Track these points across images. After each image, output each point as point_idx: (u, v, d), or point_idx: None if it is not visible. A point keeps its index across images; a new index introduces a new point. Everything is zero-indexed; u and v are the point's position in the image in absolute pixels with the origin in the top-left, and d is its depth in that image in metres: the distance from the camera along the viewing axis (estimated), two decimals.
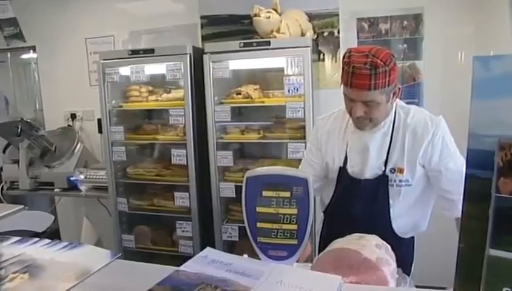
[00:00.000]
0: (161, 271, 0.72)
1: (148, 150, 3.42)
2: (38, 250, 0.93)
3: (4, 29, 3.94)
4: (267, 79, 3.08)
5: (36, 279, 0.80)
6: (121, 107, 3.12)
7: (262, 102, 2.83)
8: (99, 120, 3.39)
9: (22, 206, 1.78)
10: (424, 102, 2.94)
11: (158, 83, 3.17)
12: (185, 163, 2.88)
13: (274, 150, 3.13)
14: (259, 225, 0.98)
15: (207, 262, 0.75)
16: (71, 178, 3.33)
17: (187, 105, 2.83)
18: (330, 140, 1.67)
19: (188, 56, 2.79)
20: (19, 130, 3.20)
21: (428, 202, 1.64)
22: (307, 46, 2.63)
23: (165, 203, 3.08)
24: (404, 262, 1.34)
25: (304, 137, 2.69)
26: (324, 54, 3.14)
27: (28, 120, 3.34)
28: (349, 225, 1.46)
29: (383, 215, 1.56)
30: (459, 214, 1.52)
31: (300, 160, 2.68)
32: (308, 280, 0.69)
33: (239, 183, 2.86)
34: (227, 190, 2.88)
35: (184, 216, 2.98)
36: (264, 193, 0.96)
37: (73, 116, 3.87)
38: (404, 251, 1.45)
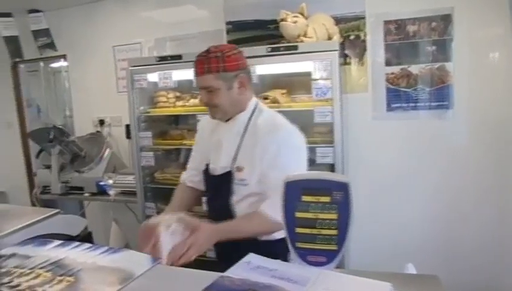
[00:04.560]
0: (204, 277, 0.72)
1: (175, 155, 3.45)
2: (80, 254, 0.94)
3: (38, 39, 4.07)
4: (294, 84, 3.07)
5: (81, 282, 0.81)
6: (149, 112, 3.16)
7: (290, 106, 2.82)
8: (127, 126, 3.45)
9: (57, 210, 1.82)
10: (454, 105, 2.87)
11: (185, 88, 3.20)
12: None
13: None
14: (298, 230, 0.97)
15: (251, 268, 0.74)
16: (100, 183, 3.39)
17: None
18: (201, 137, 1.81)
19: None
20: (52, 136, 3.29)
21: None
22: (335, 50, 2.61)
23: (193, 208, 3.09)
24: None
25: (332, 142, 2.66)
26: (350, 58, 3.10)
27: (60, 127, 3.43)
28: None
29: (227, 213, 1.56)
30: (262, 209, 1.43)
31: (330, 165, 2.69)
32: (356, 288, 0.67)
33: None
34: None
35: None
36: (303, 198, 0.94)
37: (102, 122, 3.95)
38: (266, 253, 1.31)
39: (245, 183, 1.55)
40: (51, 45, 4.15)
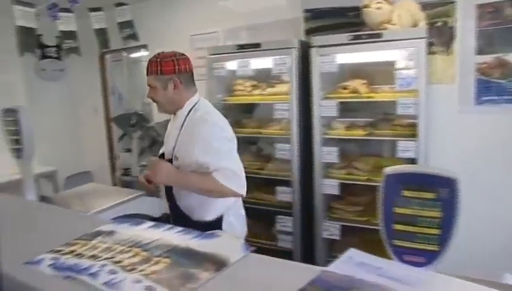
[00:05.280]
0: (304, 270, 0.69)
1: (251, 143, 3.46)
2: (174, 236, 0.95)
3: (122, 31, 4.29)
4: (374, 73, 2.93)
5: (177, 265, 0.82)
6: (226, 100, 3.20)
7: (371, 97, 2.70)
8: None
9: (142, 192, 1.91)
10: None
11: (261, 77, 3.20)
12: (289, 158, 2.87)
13: (379, 147, 2.98)
14: (396, 227, 0.91)
15: (355, 264, 0.70)
16: None
17: (292, 100, 2.81)
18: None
19: (295, 50, 2.77)
20: (133, 122, 3.46)
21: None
22: (422, 38, 2.45)
23: (266, 197, 3.10)
24: None
25: (414, 135, 2.51)
26: (436, 46, 2.89)
27: (141, 113, 3.59)
28: None
29: (169, 195, 1.86)
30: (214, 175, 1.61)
31: (411, 159, 2.55)
32: None
33: (343, 181, 2.79)
34: (329, 187, 2.81)
35: (285, 210, 2.97)
36: (404, 193, 0.88)
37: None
38: None
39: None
40: (134, 36, 4.34)
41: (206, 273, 0.79)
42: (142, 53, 4.71)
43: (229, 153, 1.79)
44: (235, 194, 1.76)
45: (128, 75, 5.19)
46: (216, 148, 1.72)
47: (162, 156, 1.96)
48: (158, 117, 4.23)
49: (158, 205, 2.17)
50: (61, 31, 4.11)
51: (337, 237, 2.84)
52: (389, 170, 0.88)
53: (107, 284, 0.77)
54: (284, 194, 2.94)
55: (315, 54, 2.70)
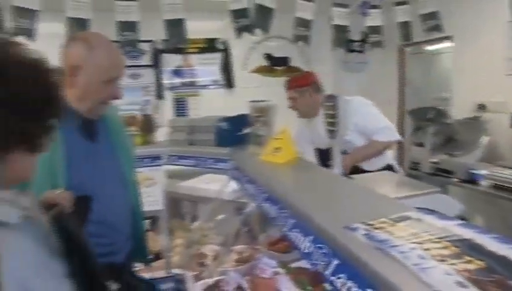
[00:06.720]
0: None
1: None
2: (487, 240, 0.90)
3: (425, 22, 4.21)
4: None
5: (492, 271, 0.78)
6: None
7: None
8: None
9: (438, 189, 1.87)
10: None
11: None
12: None
13: None
14: None
15: None
16: (472, 171, 3.20)
17: None
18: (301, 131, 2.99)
19: None
20: (430, 116, 3.38)
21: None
22: None
23: None
24: None
25: None
26: None
27: (440, 108, 3.47)
28: None
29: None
30: (375, 138, 2.61)
31: None
32: None
33: None
34: None
35: None
36: None
37: (482, 107, 3.70)
38: None
39: (349, 141, 2.51)
40: (438, 27, 4.19)
41: None
42: (444, 45, 4.50)
43: (378, 114, 2.53)
44: (395, 143, 2.57)
45: (427, 68, 5.08)
46: (370, 114, 2.50)
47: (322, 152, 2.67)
48: (456, 114, 3.97)
49: (452, 205, 2.07)
50: (368, 26, 4.41)
51: None
52: None
53: (417, 266, 0.81)
54: None
55: None
